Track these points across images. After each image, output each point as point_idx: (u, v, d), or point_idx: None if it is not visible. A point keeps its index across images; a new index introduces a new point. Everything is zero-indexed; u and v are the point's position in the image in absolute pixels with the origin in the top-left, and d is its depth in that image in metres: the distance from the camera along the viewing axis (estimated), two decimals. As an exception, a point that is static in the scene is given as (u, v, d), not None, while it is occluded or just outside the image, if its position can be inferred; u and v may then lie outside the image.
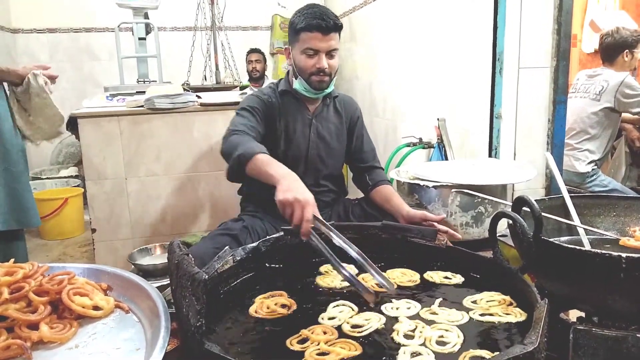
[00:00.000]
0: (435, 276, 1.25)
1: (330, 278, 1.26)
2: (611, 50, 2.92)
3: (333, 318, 1.06)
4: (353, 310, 1.10)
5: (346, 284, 1.20)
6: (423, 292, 1.20)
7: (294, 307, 1.12)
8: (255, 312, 1.10)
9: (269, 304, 1.11)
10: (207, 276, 0.88)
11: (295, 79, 1.80)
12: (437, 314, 1.06)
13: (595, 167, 2.87)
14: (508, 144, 2.11)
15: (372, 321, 1.03)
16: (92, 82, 4.72)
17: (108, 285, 1.15)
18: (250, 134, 1.65)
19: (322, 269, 1.32)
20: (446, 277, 1.24)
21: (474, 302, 1.13)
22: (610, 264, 1.04)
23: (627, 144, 3.18)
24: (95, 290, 1.11)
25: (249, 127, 1.68)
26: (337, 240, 1.22)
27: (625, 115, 2.99)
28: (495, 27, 2.05)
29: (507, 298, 1.12)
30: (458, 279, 1.24)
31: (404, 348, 0.93)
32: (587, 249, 1.21)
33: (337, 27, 1.72)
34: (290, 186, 1.30)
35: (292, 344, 0.95)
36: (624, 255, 1.02)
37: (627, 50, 2.88)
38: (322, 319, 1.06)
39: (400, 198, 1.76)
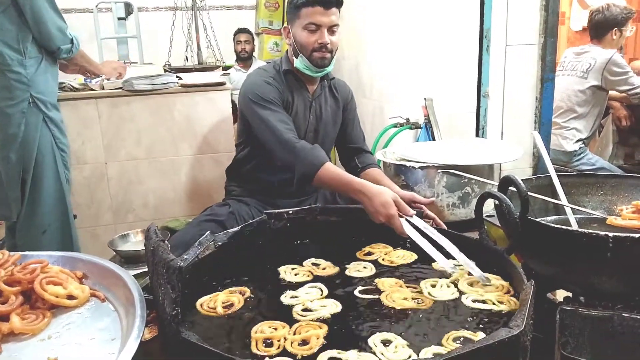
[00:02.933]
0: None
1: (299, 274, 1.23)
2: (600, 27, 2.89)
3: (296, 297, 1.08)
4: (322, 292, 1.11)
5: (299, 279, 1.20)
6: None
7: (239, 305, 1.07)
8: (201, 306, 1.06)
9: (211, 304, 1.06)
10: (182, 263, 0.84)
11: (296, 57, 1.77)
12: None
13: (583, 145, 2.87)
14: (495, 123, 2.09)
15: (327, 307, 1.04)
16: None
17: (83, 273, 1.12)
18: (294, 134, 1.67)
19: (308, 264, 1.29)
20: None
21: (471, 284, 1.13)
22: (597, 243, 1.02)
23: (615, 122, 3.17)
24: (70, 279, 1.07)
25: (290, 122, 1.70)
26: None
27: (612, 93, 2.97)
28: (482, 4, 2.00)
29: (506, 284, 1.11)
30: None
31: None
32: (574, 228, 1.20)
33: (339, 2, 1.70)
34: (374, 207, 1.37)
35: (259, 348, 0.91)
36: (610, 234, 1.01)
37: (616, 28, 2.85)
38: (285, 296, 1.09)
39: (389, 180, 1.75)
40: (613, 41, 2.87)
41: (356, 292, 1.12)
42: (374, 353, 0.87)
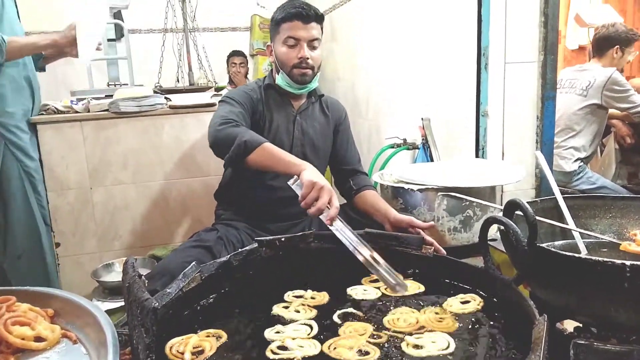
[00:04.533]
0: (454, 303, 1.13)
1: (292, 310, 1.13)
2: (603, 43, 2.88)
3: (281, 332, 1.01)
4: (311, 330, 1.02)
5: (297, 316, 1.10)
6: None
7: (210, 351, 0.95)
8: (170, 349, 0.94)
9: (181, 348, 0.94)
10: (157, 304, 0.75)
11: (278, 74, 1.75)
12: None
13: (582, 164, 2.81)
14: (496, 143, 2.03)
15: (304, 349, 0.95)
16: (65, 86, 4.52)
17: (55, 310, 1.03)
18: (243, 124, 1.61)
19: (289, 296, 1.20)
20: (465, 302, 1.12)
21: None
22: (614, 272, 0.94)
23: (617, 140, 3.13)
24: (40, 318, 0.98)
25: (241, 117, 1.63)
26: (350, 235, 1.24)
27: (613, 111, 2.94)
28: (480, 21, 1.96)
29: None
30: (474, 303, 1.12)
31: None
32: (589, 256, 1.12)
33: (318, 17, 1.69)
34: (316, 173, 1.36)
35: None
36: (628, 263, 0.93)
37: (618, 46, 2.84)
38: (270, 331, 1.01)
39: (386, 203, 1.69)
40: (614, 60, 2.85)
41: (335, 317, 1.06)
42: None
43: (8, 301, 0.98)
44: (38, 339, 0.92)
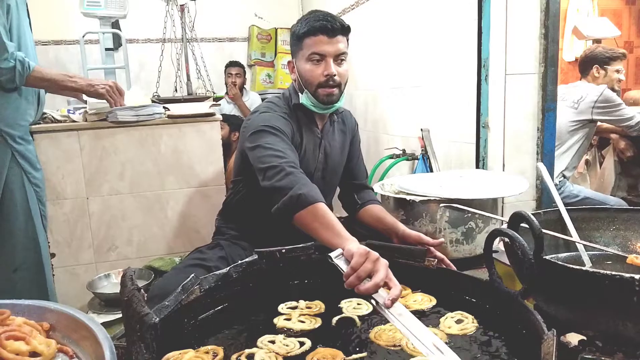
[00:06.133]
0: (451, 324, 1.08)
1: (291, 321, 1.11)
2: (584, 64, 3.02)
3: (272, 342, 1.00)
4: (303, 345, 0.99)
5: (305, 327, 1.08)
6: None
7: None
8: None
9: None
10: (157, 319, 0.73)
11: (301, 93, 1.63)
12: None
13: (563, 178, 2.81)
14: (496, 154, 2.02)
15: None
16: (62, 98, 4.53)
17: (51, 325, 1.00)
18: (299, 169, 1.45)
19: (283, 308, 1.18)
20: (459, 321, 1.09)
21: None
22: (622, 286, 0.93)
23: (616, 153, 3.14)
24: (35, 332, 0.94)
25: (294, 157, 1.48)
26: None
27: (608, 126, 2.97)
28: (480, 32, 1.96)
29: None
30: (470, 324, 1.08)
31: None
32: (596, 270, 1.10)
33: (344, 29, 1.56)
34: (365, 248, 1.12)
35: None
36: (637, 277, 0.91)
37: (597, 66, 2.94)
38: (263, 343, 0.99)
39: (393, 218, 1.64)
40: (597, 78, 2.95)
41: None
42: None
43: (2, 315, 0.94)
44: (33, 354, 0.89)
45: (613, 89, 2.85)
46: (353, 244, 1.15)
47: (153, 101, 2.44)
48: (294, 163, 1.44)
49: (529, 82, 1.98)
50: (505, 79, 1.98)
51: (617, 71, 2.92)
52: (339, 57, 1.57)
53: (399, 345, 0.99)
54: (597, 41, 3.86)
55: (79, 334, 0.96)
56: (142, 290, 0.85)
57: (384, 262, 1.07)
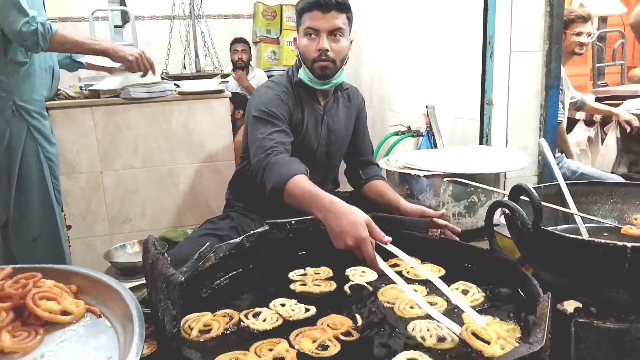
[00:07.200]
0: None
1: (307, 285, 1.17)
2: None
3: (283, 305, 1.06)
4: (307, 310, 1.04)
5: (324, 289, 1.14)
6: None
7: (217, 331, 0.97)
8: (182, 325, 0.96)
9: (193, 325, 0.97)
10: (183, 278, 0.79)
11: (300, 68, 1.67)
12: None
13: (560, 154, 2.79)
14: (500, 131, 2.06)
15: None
16: (71, 74, 4.56)
17: (78, 287, 1.07)
18: (285, 150, 1.51)
19: (294, 275, 1.23)
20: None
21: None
22: (615, 254, 0.98)
23: (619, 129, 3.12)
24: (64, 294, 1.01)
25: (284, 138, 1.54)
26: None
27: (607, 107, 2.99)
28: (486, 10, 1.98)
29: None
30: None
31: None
32: (591, 238, 1.16)
33: (340, 5, 1.58)
34: (340, 227, 1.14)
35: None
36: (629, 244, 0.96)
37: (566, 31, 2.74)
38: (274, 305, 1.05)
39: (395, 193, 1.68)
40: (564, 44, 2.76)
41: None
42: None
43: (34, 277, 1.01)
44: (64, 313, 0.96)
45: (574, 53, 2.73)
46: (340, 218, 1.15)
47: (163, 78, 2.48)
48: (277, 150, 1.48)
49: (534, 60, 2.00)
50: (510, 57, 2.00)
51: (578, 34, 2.72)
52: (333, 33, 1.58)
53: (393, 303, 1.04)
54: (604, 18, 3.84)
55: (105, 295, 1.03)
56: (165, 253, 0.91)
57: (361, 238, 1.09)
